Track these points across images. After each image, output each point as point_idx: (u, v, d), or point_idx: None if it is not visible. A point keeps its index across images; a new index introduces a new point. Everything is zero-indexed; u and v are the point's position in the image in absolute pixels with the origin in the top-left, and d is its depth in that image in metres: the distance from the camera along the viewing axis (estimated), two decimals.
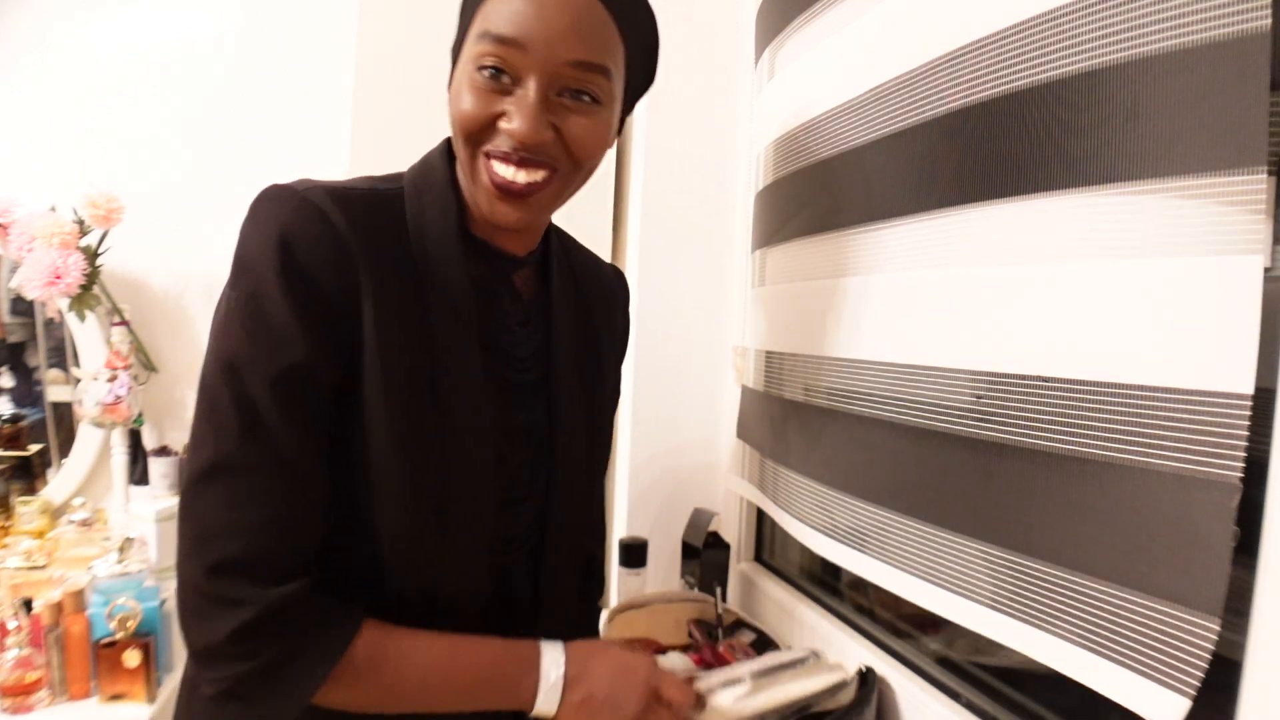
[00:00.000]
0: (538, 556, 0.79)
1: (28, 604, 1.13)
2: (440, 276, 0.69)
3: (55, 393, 1.55)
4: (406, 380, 0.66)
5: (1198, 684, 0.56)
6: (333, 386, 0.63)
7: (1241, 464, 0.54)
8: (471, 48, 0.65)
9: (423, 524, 0.67)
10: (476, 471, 0.69)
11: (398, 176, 0.73)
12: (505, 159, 0.65)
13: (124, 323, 1.43)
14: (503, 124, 0.65)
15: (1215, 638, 0.55)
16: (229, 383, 0.60)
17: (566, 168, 0.68)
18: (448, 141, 0.74)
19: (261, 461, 0.60)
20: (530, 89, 0.63)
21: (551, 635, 0.75)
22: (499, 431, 0.72)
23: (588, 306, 0.84)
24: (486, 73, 0.64)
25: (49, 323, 1.53)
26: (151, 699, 1.14)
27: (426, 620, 0.68)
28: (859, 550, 0.99)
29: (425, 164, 0.74)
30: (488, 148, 0.66)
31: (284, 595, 0.60)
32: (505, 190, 0.66)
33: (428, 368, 0.67)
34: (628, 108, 0.77)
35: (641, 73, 0.75)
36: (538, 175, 0.66)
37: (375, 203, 0.67)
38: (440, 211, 0.70)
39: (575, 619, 0.89)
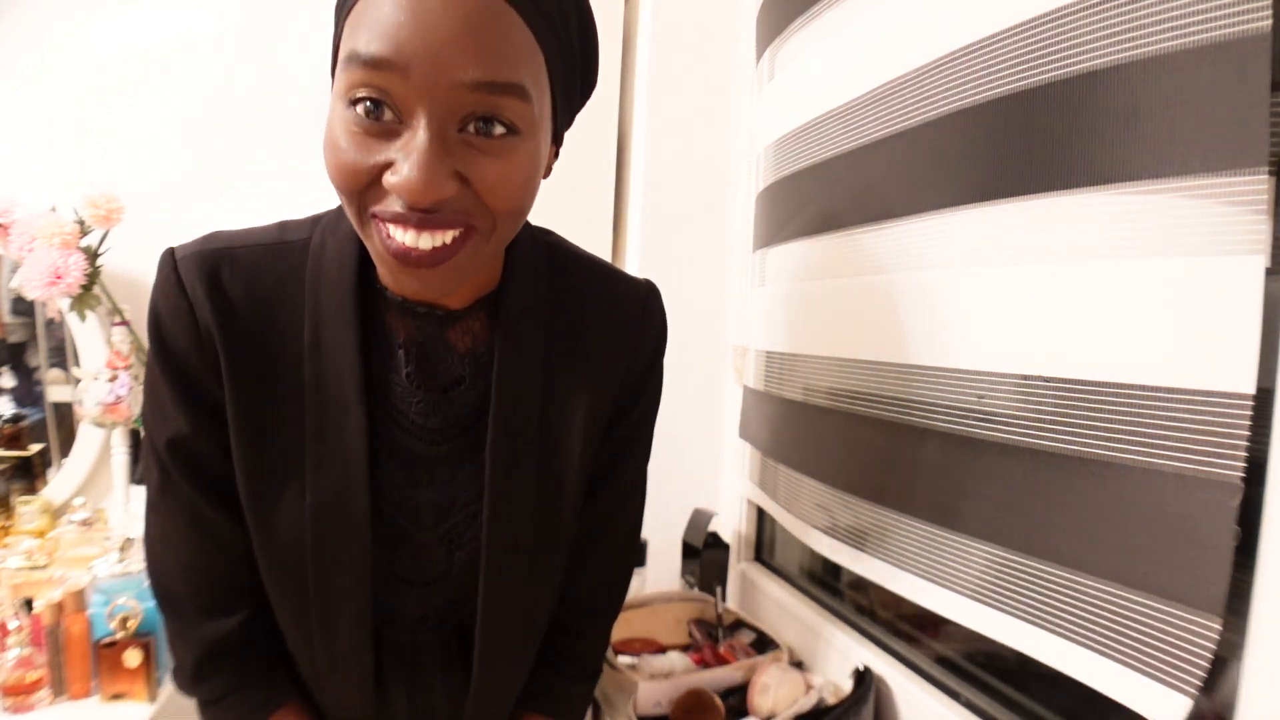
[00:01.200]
0: (465, 634, 0.71)
1: (28, 604, 1.12)
2: (330, 340, 0.61)
3: (56, 393, 1.54)
4: (256, 450, 0.62)
5: (1199, 683, 0.56)
6: (220, 449, 0.63)
7: (1243, 464, 0.54)
8: (341, 77, 0.50)
9: (287, 592, 0.66)
10: (345, 549, 0.63)
11: (317, 220, 0.66)
12: (400, 221, 0.50)
13: (124, 323, 1.43)
14: (389, 178, 0.49)
15: (1217, 637, 0.55)
16: (147, 439, 0.65)
17: (485, 224, 0.53)
18: None
19: (175, 511, 0.65)
20: (420, 128, 0.48)
21: (488, 714, 0.74)
22: (397, 508, 0.65)
23: (576, 336, 0.69)
24: (360, 108, 0.48)
25: (49, 323, 1.52)
26: (152, 699, 1.14)
27: (314, 680, 0.71)
28: (860, 549, 0.99)
29: (341, 210, 0.63)
30: (375, 209, 0.51)
31: (217, 634, 0.67)
32: (405, 259, 0.51)
33: (292, 438, 0.62)
34: (564, 123, 0.61)
35: (576, 81, 0.58)
36: (446, 237, 0.51)
37: (268, 258, 0.62)
38: (336, 267, 0.61)
39: (539, 696, 0.79)
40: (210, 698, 0.68)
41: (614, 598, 0.84)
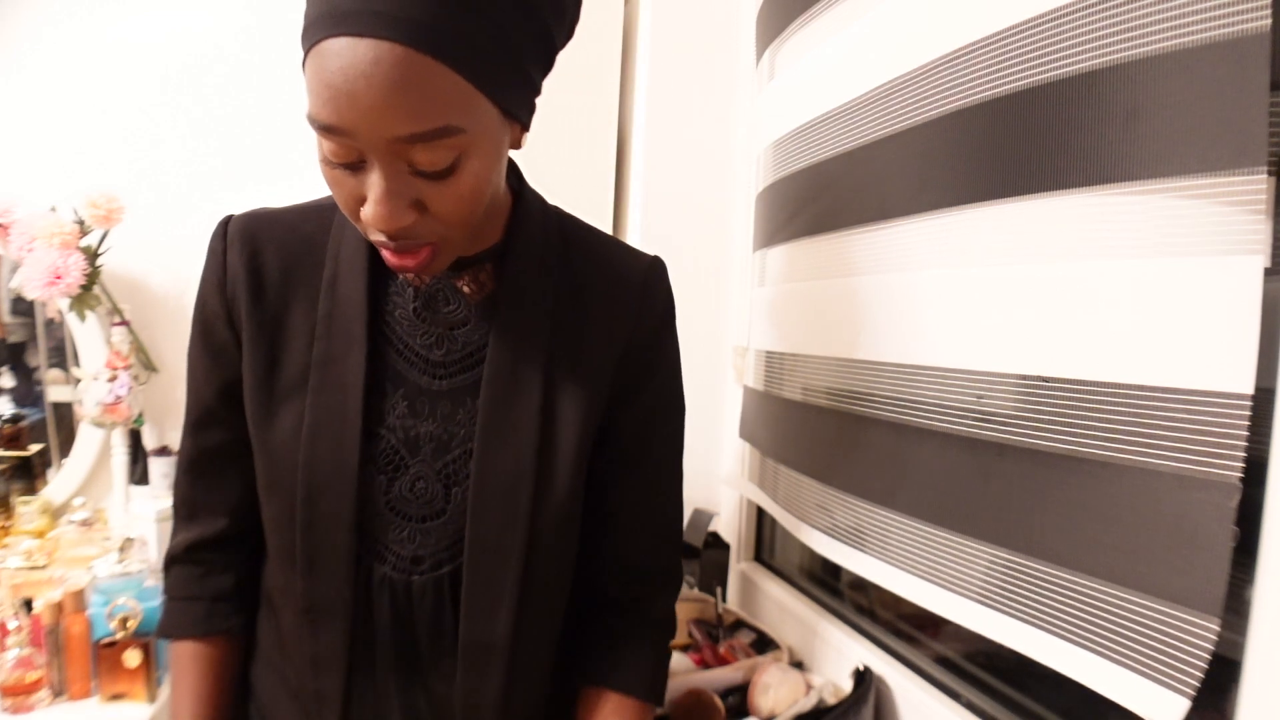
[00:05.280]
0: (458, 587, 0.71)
1: (28, 604, 1.12)
2: (344, 280, 0.69)
3: (55, 393, 1.55)
4: (265, 374, 0.69)
5: (1197, 684, 0.56)
6: (231, 389, 0.72)
7: (1241, 464, 0.54)
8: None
9: (279, 519, 0.70)
10: (334, 472, 0.67)
11: None
12: (380, 245, 0.59)
13: (124, 323, 1.43)
14: (363, 210, 0.57)
15: (1215, 638, 0.55)
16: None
17: (451, 234, 0.60)
18: None
19: (189, 424, 0.76)
20: (375, 174, 0.55)
21: (474, 675, 0.71)
22: (397, 436, 0.69)
23: (580, 301, 0.73)
24: (331, 157, 0.56)
25: (49, 323, 1.53)
26: (152, 699, 1.14)
27: (298, 624, 0.72)
28: (859, 550, 0.99)
29: None
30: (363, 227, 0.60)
31: (195, 536, 0.77)
32: (393, 266, 0.61)
33: (300, 365, 0.69)
34: (526, 101, 0.62)
35: (535, 58, 0.59)
36: (420, 253, 0.60)
37: (302, 218, 0.72)
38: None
39: (570, 663, 0.79)
40: (168, 592, 0.79)
41: (665, 573, 0.82)
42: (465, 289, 0.71)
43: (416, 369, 0.70)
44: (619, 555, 0.79)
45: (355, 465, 0.67)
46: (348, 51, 0.50)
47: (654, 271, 0.77)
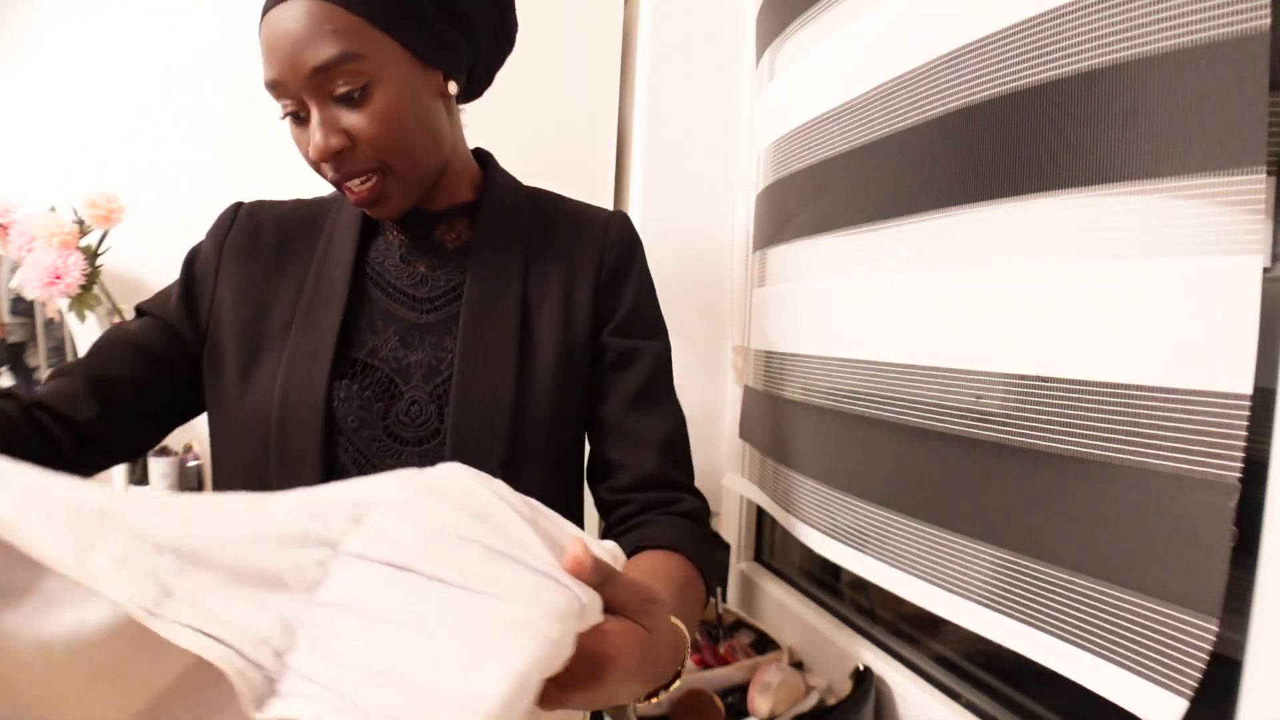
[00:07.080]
0: None
1: None
2: (336, 244, 0.78)
3: None
4: (250, 328, 0.74)
5: (1195, 684, 0.56)
6: (174, 341, 0.76)
7: (1240, 464, 0.54)
8: None
9: (248, 458, 0.72)
10: (306, 401, 0.71)
11: None
12: (335, 184, 0.70)
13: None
14: (310, 151, 0.67)
15: (1213, 638, 0.55)
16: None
17: (394, 162, 0.69)
18: None
19: (119, 333, 0.78)
20: (311, 111, 0.66)
21: None
22: (390, 366, 0.74)
23: (549, 242, 0.81)
24: (288, 120, 0.68)
25: (49, 323, 1.53)
26: None
27: None
28: (859, 550, 0.99)
29: None
30: (331, 178, 0.70)
31: (31, 399, 0.77)
32: (357, 203, 0.71)
33: (286, 313, 0.75)
34: (439, 50, 0.71)
35: (430, 10, 0.69)
36: (368, 181, 0.69)
37: (305, 205, 0.82)
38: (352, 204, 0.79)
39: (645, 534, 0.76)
40: None
41: (680, 486, 0.79)
42: (444, 238, 0.79)
43: (405, 306, 0.77)
44: (629, 468, 0.78)
45: (322, 403, 0.71)
46: (276, 15, 0.64)
47: (617, 216, 0.85)
